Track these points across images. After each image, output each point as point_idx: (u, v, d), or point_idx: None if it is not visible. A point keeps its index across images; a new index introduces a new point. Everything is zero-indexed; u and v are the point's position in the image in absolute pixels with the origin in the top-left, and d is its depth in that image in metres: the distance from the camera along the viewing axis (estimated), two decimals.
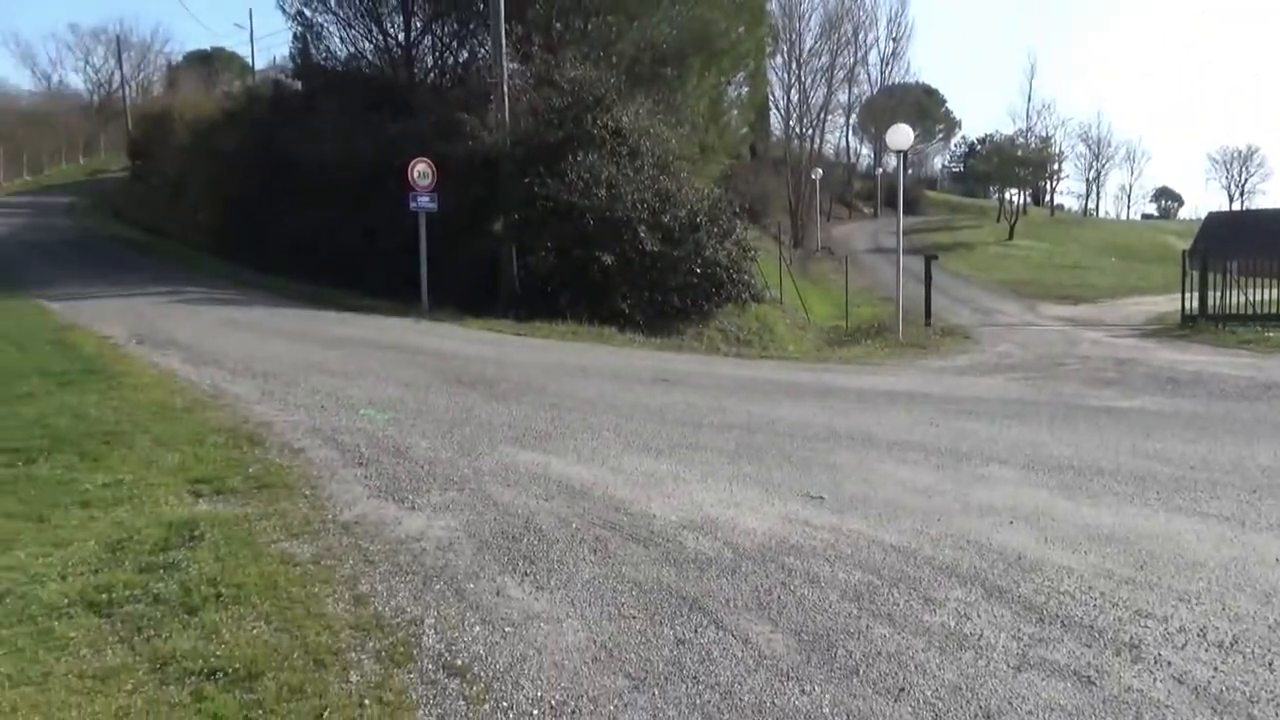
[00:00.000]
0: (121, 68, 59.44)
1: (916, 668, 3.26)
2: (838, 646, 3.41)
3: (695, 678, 3.19)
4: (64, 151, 59.26)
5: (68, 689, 2.99)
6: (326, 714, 2.89)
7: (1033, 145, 59.65)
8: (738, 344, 17.13)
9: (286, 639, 3.35)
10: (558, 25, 21.71)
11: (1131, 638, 3.48)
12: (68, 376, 8.07)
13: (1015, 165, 57.56)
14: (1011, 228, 53.28)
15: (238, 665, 3.14)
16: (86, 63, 68.88)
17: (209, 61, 61.73)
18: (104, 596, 3.63)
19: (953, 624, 3.62)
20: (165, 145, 36.40)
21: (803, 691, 3.10)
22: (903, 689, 3.11)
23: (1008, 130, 76.19)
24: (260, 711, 2.88)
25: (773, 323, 19.91)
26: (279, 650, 3.26)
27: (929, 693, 3.09)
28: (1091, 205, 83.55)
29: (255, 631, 3.40)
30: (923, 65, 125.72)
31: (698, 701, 3.04)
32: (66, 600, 3.59)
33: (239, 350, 9.93)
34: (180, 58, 66.48)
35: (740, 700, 3.05)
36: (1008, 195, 63.63)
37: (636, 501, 5.10)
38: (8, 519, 4.61)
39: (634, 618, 3.64)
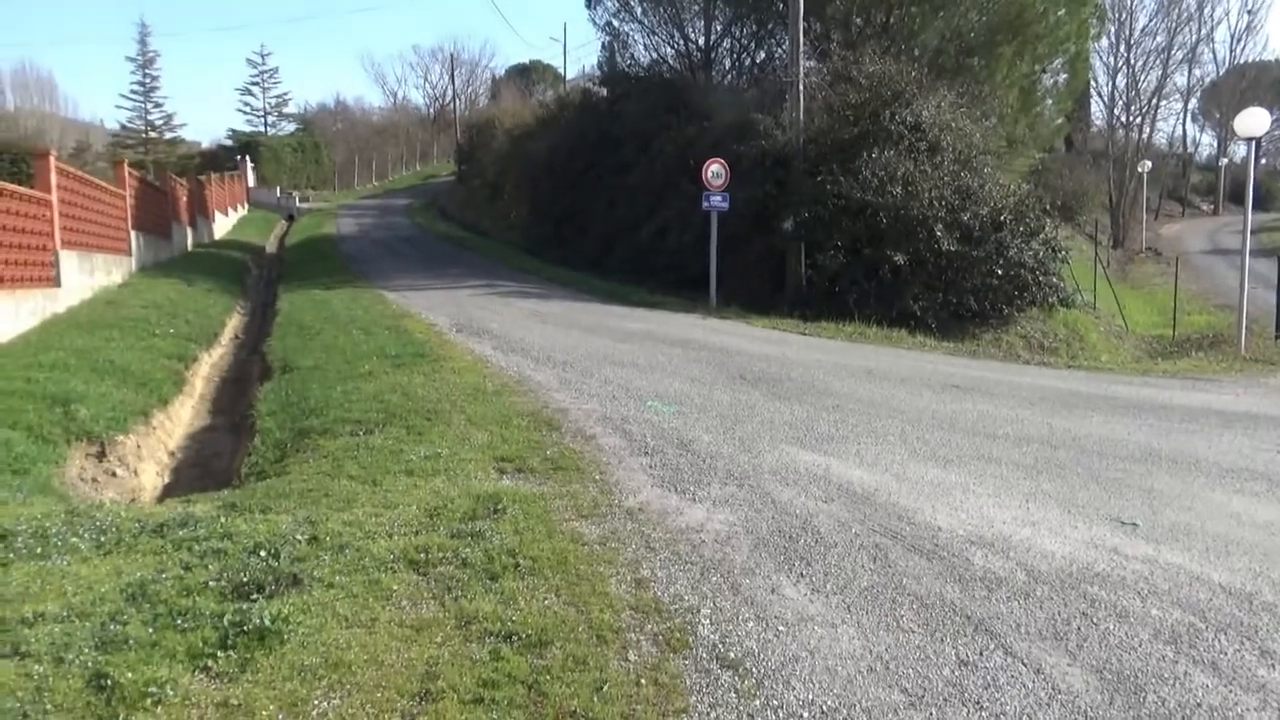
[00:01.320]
0: (453, 82, 66.13)
1: None
2: (1147, 691, 3.07)
3: (978, 703, 3.00)
4: (404, 159, 67.19)
5: (390, 635, 3.38)
6: (606, 688, 3.04)
7: None
8: (1041, 351, 15.86)
9: (573, 612, 3.57)
10: (857, 21, 21.24)
11: None
12: (400, 359, 9.10)
13: None
14: None
15: (530, 632, 3.38)
16: (425, 79, 77.95)
17: (527, 74, 67.12)
18: (422, 556, 4.06)
19: None
20: (487, 151, 40.14)
21: None
22: None
23: None
24: (548, 677, 3.09)
25: (1084, 330, 18.24)
26: (566, 622, 3.48)
27: None
28: None
29: (546, 602, 3.65)
30: None
31: None
32: (392, 556, 4.06)
33: (542, 340, 10.69)
34: (502, 71, 72.92)
35: None
36: None
37: (921, 511, 4.89)
38: (350, 480, 5.29)
39: (913, 632, 3.49)
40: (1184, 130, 61.03)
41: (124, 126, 53.99)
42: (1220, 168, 57.91)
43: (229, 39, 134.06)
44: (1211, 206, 58.20)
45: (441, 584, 3.82)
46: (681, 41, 26.23)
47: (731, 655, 3.29)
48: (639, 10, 26.52)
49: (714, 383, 8.54)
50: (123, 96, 65.55)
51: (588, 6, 28.01)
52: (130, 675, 3.00)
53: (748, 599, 3.76)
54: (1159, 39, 44.85)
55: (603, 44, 28.00)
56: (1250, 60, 55.83)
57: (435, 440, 6.12)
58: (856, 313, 15.59)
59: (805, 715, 2.93)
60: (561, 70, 59.97)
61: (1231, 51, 55.79)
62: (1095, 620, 3.60)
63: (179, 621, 3.38)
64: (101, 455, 6.74)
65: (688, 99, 22.75)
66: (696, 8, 25.26)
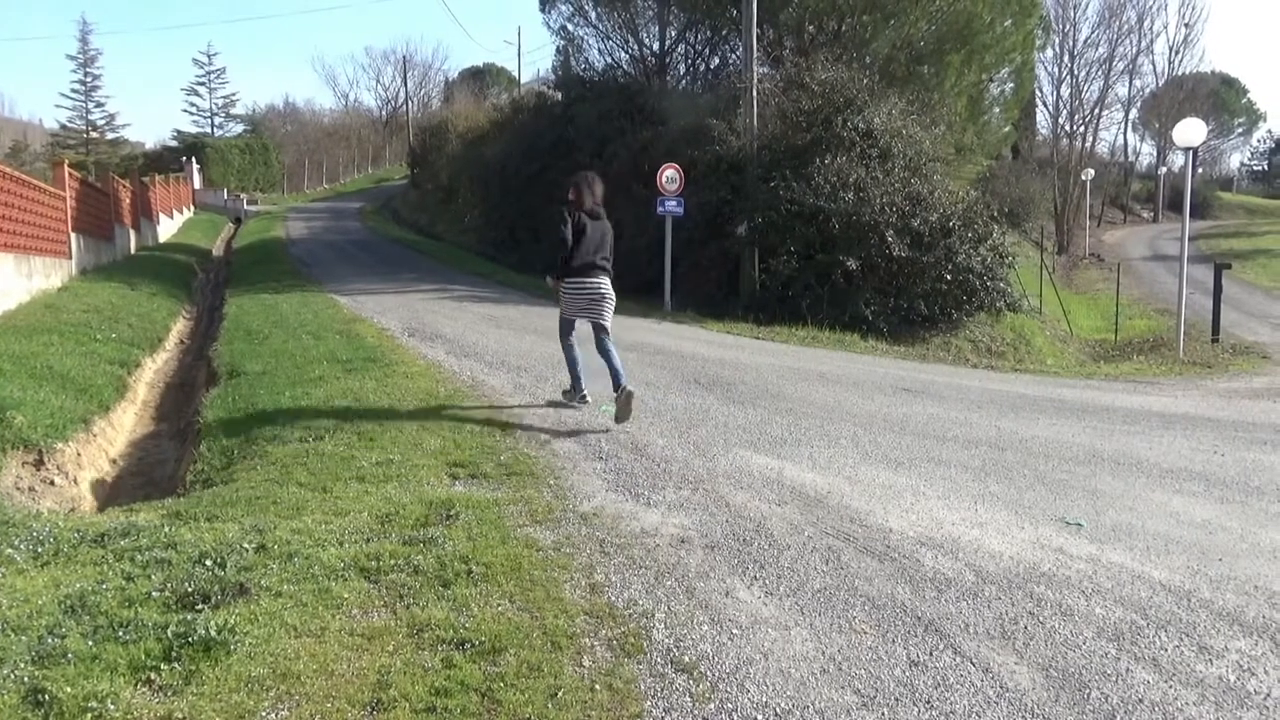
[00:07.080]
0: (406, 85, 65.50)
1: None
2: (1091, 688, 3.13)
3: (928, 702, 3.04)
4: (356, 162, 66.37)
5: (340, 644, 3.33)
6: (560, 694, 3.02)
7: None
8: (989, 355, 16.17)
9: (527, 618, 3.55)
10: (810, 28, 21.48)
11: None
12: (352, 364, 8.97)
13: None
14: None
15: (483, 639, 3.35)
16: (377, 82, 77.28)
17: (480, 76, 66.78)
18: (373, 564, 4.01)
19: (1233, 678, 3.22)
20: (440, 154, 39.87)
21: None
22: None
23: None
24: (501, 684, 3.06)
25: (1030, 334, 18.64)
26: (520, 629, 3.45)
27: None
28: None
29: (500, 609, 3.62)
30: (1220, 52, 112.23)
31: None
32: (342, 564, 4.00)
33: (496, 345, 10.62)
34: (456, 74, 72.49)
35: None
36: None
37: (873, 514, 4.95)
38: (300, 488, 5.20)
39: (865, 633, 3.52)
40: (1125, 139, 62.84)
41: (64, 126, 52.77)
42: (1159, 176, 59.55)
43: (175, 38, 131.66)
44: (1151, 214, 59.83)
45: (393, 591, 3.77)
46: (636, 46, 26.31)
47: (686, 659, 3.29)
48: (593, 15, 26.58)
49: (669, 387, 8.55)
50: (63, 95, 63.97)
51: (542, 10, 27.99)
52: (69, 689, 2.91)
53: (702, 602, 3.77)
54: (1101, 50, 46.19)
55: (557, 48, 28.13)
56: (1188, 72, 57.66)
57: (387, 446, 6.05)
58: (809, 317, 15.75)
59: (759, 718, 2.94)
60: (516, 74, 59.79)
61: (1170, 63, 57.54)
62: (1041, 619, 3.67)
63: (120, 633, 3.29)
64: (39, 463, 6.54)
65: (643, 104, 22.83)
66: (651, 13, 25.36)
